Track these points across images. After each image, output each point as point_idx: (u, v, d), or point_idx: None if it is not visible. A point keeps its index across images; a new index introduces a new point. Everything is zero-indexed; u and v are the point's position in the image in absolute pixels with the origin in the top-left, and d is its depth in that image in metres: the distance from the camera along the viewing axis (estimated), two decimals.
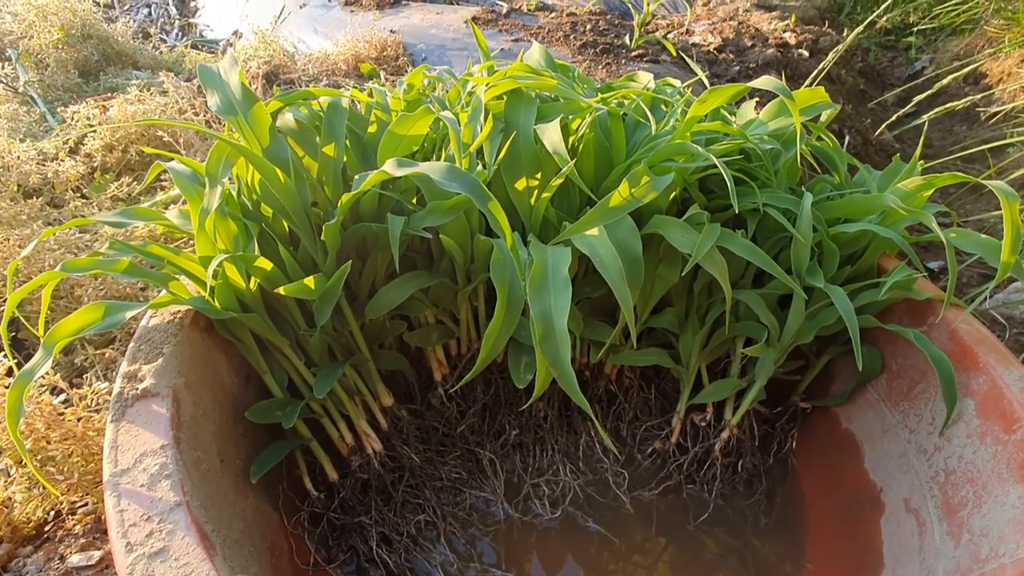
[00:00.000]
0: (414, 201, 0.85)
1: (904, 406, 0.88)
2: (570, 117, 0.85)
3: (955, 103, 1.97)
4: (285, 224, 0.81)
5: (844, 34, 3.24)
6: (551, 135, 0.77)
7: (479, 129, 0.80)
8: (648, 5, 2.10)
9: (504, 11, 2.50)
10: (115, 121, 1.96)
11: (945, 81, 1.99)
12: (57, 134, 1.96)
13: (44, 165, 1.87)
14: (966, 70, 1.86)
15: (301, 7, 2.91)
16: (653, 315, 0.94)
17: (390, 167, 0.67)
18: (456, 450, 0.96)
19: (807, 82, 1.89)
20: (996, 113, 2.75)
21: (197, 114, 2.05)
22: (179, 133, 2.00)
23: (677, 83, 1.07)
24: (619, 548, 0.91)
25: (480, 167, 0.76)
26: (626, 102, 0.96)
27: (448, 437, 0.96)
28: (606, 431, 1.01)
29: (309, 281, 0.74)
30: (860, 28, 1.85)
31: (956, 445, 0.78)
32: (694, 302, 0.93)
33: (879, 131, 2.76)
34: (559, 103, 0.84)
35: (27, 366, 0.60)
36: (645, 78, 1.07)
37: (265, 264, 0.75)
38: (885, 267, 0.93)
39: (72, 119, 1.98)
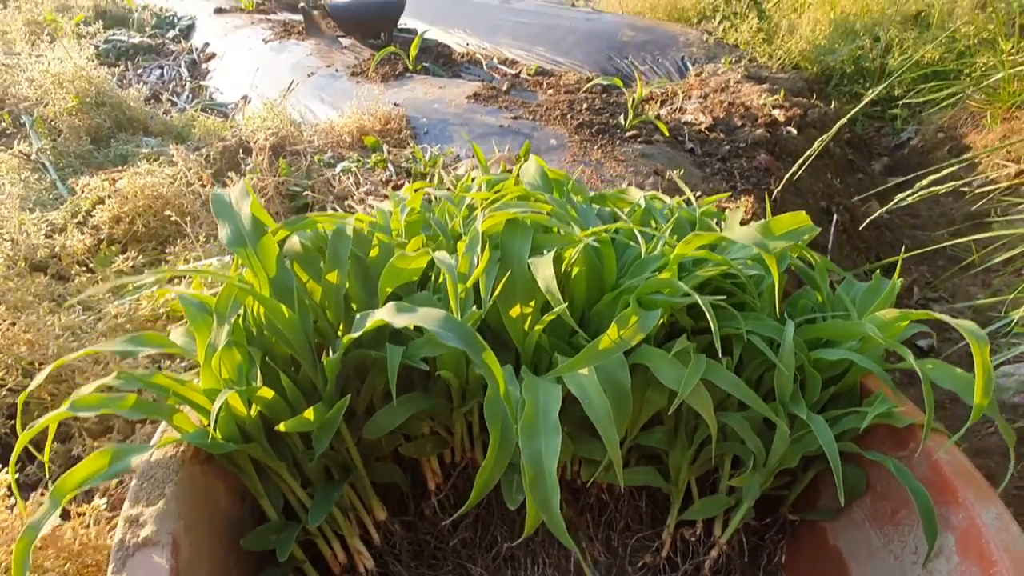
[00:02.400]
0: (412, 327, 0.89)
1: (889, 530, 0.89)
2: (564, 248, 0.89)
3: (939, 188, 2.03)
4: (287, 351, 0.84)
5: (832, 106, 3.36)
6: (544, 272, 0.81)
7: (476, 261, 0.84)
8: (640, 88, 2.19)
9: (504, 87, 2.60)
10: (124, 193, 2.01)
11: (934, 155, 2.06)
12: (67, 207, 2.01)
13: (52, 238, 1.91)
14: (945, 173, 1.93)
15: (309, 76, 3.01)
16: (643, 432, 0.96)
17: (389, 315, 0.70)
18: (448, 564, 0.97)
19: (799, 162, 1.95)
20: (982, 186, 2.83)
21: (204, 186, 2.11)
22: (185, 206, 2.05)
23: (667, 199, 1.12)
24: None
25: (475, 307, 0.80)
26: (618, 213, 1.01)
27: (440, 551, 0.97)
28: (596, 542, 1.02)
29: (308, 414, 0.76)
30: (854, 111, 1.92)
31: None
32: (682, 420, 0.95)
33: (867, 204, 2.83)
34: (553, 235, 0.88)
35: (34, 519, 0.62)
36: (636, 195, 1.12)
37: (267, 394, 0.78)
38: (868, 386, 0.96)
39: (82, 192, 2.04)
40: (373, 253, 0.92)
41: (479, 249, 0.85)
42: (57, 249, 1.85)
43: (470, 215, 1.03)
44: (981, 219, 2.74)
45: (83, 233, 1.93)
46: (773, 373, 0.89)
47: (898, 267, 1.05)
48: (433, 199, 1.11)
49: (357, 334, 0.73)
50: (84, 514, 0.88)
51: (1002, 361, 1.95)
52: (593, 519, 1.03)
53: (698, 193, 1.97)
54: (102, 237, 1.97)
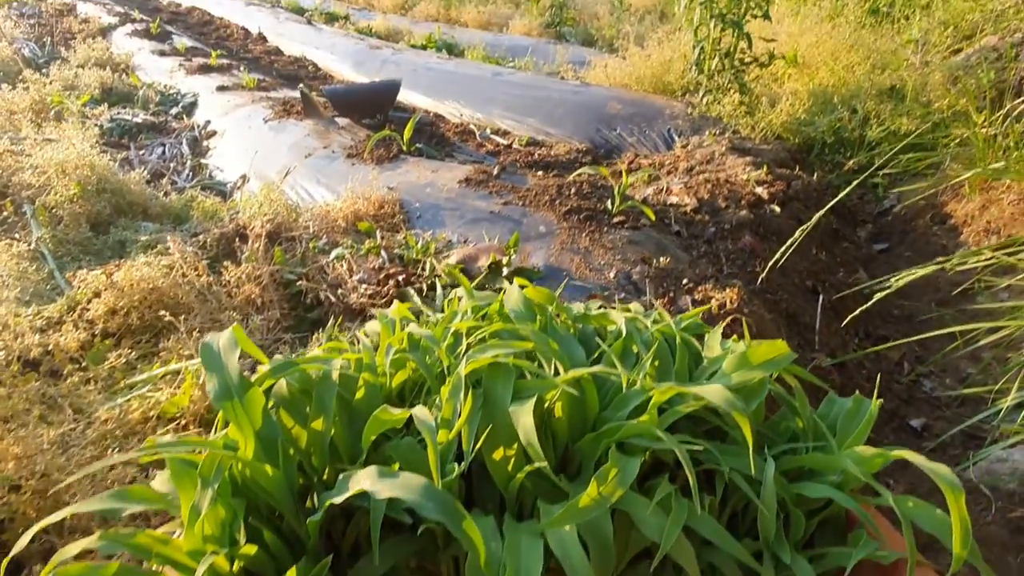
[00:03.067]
0: (396, 467, 0.90)
1: None
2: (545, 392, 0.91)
3: (923, 269, 2.08)
4: (270, 502, 0.84)
5: (815, 175, 3.46)
6: (524, 420, 0.83)
7: (459, 408, 0.86)
8: (626, 177, 2.26)
9: (495, 172, 2.68)
10: (120, 286, 2.05)
11: (915, 223, 2.11)
12: (62, 302, 2.03)
13: (46, 333, 1.93)
14: (929, 257, 1.98)
15: (306, 157, 3.11)
16: (629, 567, 0.95)
17: (370, 483, 0.71)
18: None
19: (781, 252, 2.00)
20: (962, 259, 2.89)
21: (199, 276, 2.15)
22: (181, 297, 2.08)
23: (647, 321, 1.15)
24: None
25: (455, 463, 0.81)
26: (601, 328, 1.03)
27: None
28: None
29: (291, 574, 0.76)
30: (838, 196, 1.98)
31: None
32: (668, 559, 0.95)
33: (855, 276, 2.88)
34: (534, 381, 0.91)
35: None
36: (618, 319, 1.15)
37: (250, 550, 0.78)
38: (853, 516, 0.96)
39: (79, 286, 2.07)
40: (359, 395, 0.94)
41: (461, 396, 0.87)
42: (51, 346, 1.87)
43: (456, 343, 1.05)
44: (966, 286, 2.79)
45: (78, 328, 1.95)
46: (756, 507, 0.90)
47: (874, 404, 1.07)
48: (418, 328, 1.13)
49: (340, 500, 0.74)
50: None
51: (994, 448, 1.95)
52: None
53: (685, 280, 2.01)
54: (96, 332, 1.99)
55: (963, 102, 3.45)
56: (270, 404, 0.88)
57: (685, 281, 1.96)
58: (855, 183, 2.41)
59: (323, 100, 3.66)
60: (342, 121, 3.47)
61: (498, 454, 0.87)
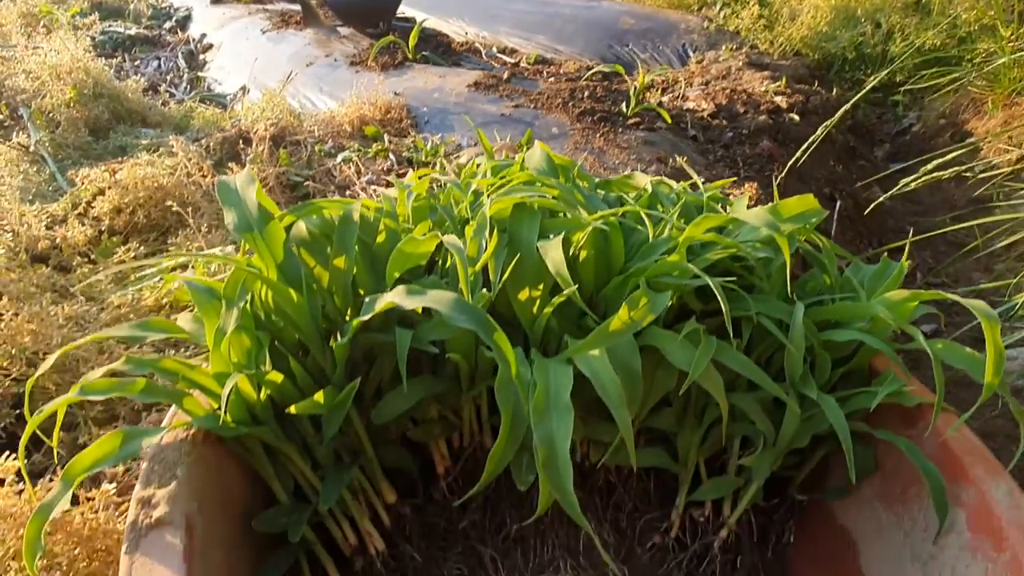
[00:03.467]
0: (419, 310, 0.88)
1: (899, 508, 0.90)
2: (571, 230, 0.89)
3: (942, 173, 2.03)
4: (296, 335, 0.84)
5: (834, 92, 3.34)
6: (553, 254, 0.81)
7: (484, 245, 0.83)
8: (643, 76, 2.18)
9: (504, 76, 2.58)
10: (124, 184, 2.00)
11: (936, 141, 2.06)
12: (66, 199, 2.00)
13: (52, 229, 1.90)
14: (950, 157, 1.93)
15: (307, 66, 2.99)
16: (651, 414, 0.96)
17: (399, 298, 0.70)
18: (458, 546, 0.97)
19: (803, 147, 1.95)
20: (983, 172, 2.83)
21: (204, 176, 2.10)
22: (187, 197, 2.04)
23: (673, 184, 1.11)
24: None
25: (484, 289, 0.80)
26: (625, 198, 1.00)
27: (450, 533, 0.97)
28: (606, 524, 1.02)
29: (319, 396, 0.76)
30: (856, 97, 1.91)
31: (949, 556, 0.80)
32: (691, 402, 0.96)
33: (869, 191, 2.83)
34: (560, 220, 0.88)
35: (47, 500, 0.62)
36: (643, 180, 1.11)
37: (276, 377, 0.78)
38: (877, 367, 0.96)
39: (82, 183, 2.03)
40: (380, 239, 0.91)
41: (487, 234, 0.85)
42: (58, 240, 1.84)
43: (476, 201, 1.02)
44: (983, 204, 2.73)
45: (84, 224, 1.92)
46: (782, 354, 0.89)
47: (905, 251, 1.05)
48: (437, 186, 1.10)
49: (367, 316, 0.73)
50: (93, 499, 0.88)
51: (1005, 345, 1.95)
52: (602, 501, 1.03)
53: (702, 179, 1.96)
54: (103, 228, 1.97)
55: (991, 15, 3.30)
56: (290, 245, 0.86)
57: (703, 181, 1.91)
58: (868, 88, 2.32)
59: (323, 9, 3.50)
60: (344, 30, 3.34)
61: (524, 294, 0.86)
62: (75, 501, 0.94)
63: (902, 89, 3.40)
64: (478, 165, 1.16)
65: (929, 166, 1.92)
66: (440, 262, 0.93)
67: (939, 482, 0.81)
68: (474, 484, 1.01)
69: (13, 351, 1.35)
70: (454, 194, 1.04)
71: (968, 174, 2.58)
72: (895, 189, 1.91)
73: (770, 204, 0.98)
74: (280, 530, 0.80)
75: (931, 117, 3.36)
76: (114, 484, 0.92)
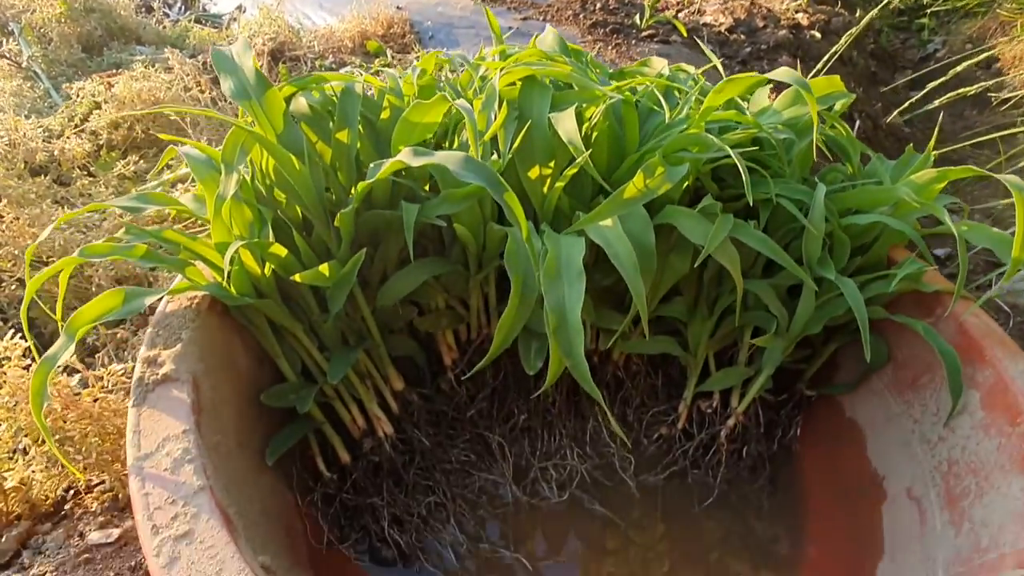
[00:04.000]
0: (427, 188, 0.86)
1: (909, 396, 0.89)
2: (583, 105, 0.85)
3: (967, 89, 1.96)
4: (299, 210, 0.81)
5: (857, 15, 3.18)
6: (566, 124, 0.77)
7: (493, 117, 0.80)
8: None
9: None
10: (120, 98, 1.95)
11: (959, 68, 1.98)
12: (62, 111, 1.95)
13: (50, 143, 1.86)
14: (978, 57, 1.83)
15: None
16: (662, 303, 0.94)
17: (407, 157, 0.67)
18: (465, 433, 0.97)
19: (819, 65, 1.87)
20: (1008, 99, 2.72)
21: (203, 91, 2.04)
22: (185, 112, 1.98)
23: (691, 69, 1.06)
24: (624, 530, 0.93)
25: (494, 156, 0.76)
26: (639, 88, 0.96)
27: (458, 421, 0.98)
28: (613, 416, 1.02)
29: (324, 268, 0.74)
30: (875, 11, 1.82)
31: (960, 436, 0.79)
32: (703, 291, 0.94)
33: (890, 116, 2.73)
34: (573, 92, 0.84)
35: (50, 351, 0.61)
36: (659, 64, 1.06)
37: (280, 250, 0.76)
38: (895, 258, 0.93)
39: (77, 95, 1.97)
40: (384, 116, 0.87)
41: (496, 107, 0.81)
42: (56, 153, 1.80)
43: (484, 83, 0.97)
44: (1006, 129, 2.64)
45: (81, 139, 1.88)
46: (800, 242, 0.87)
47: (932, 142, 1.00)
48: (446, 68, 1.05)
49: (372, 180, 0.70)
50: (103, 378, 0.88)
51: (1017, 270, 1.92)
52: (609, 395, 1.03)
53: None
54: (101, 143, 1.92)
55: None
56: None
57: (723, 66, 1.84)
58: (892, 7, 2.19)
59: None
60: None
61: (534, 172, 0.82)
62: (85, 385, 0.94)
63: (928, 11, 3.23)
64: (487, 48, 1.10)
65: (951, 95, 1.83)
66: (448, 142, 0.90)
67: (955, 363, 0.80)
68: (482, 380, 1.01)
69: (16, 252, 1.34)
70: (462, 78, 0.99)
71: (993, 95, 2.48)
72: (915, 112, 1.83)
73: (793, 88, 0.93)
74: (288, 405, 0.80)
75: (957, 42, 3.21)
76: (123, 366, 0.92)
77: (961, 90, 1.95)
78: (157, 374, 0.63)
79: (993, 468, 0.72)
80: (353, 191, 0.80)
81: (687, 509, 0.96)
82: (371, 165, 0.71)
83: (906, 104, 2.46)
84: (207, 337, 0.70)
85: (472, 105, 0.84)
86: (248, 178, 0.81)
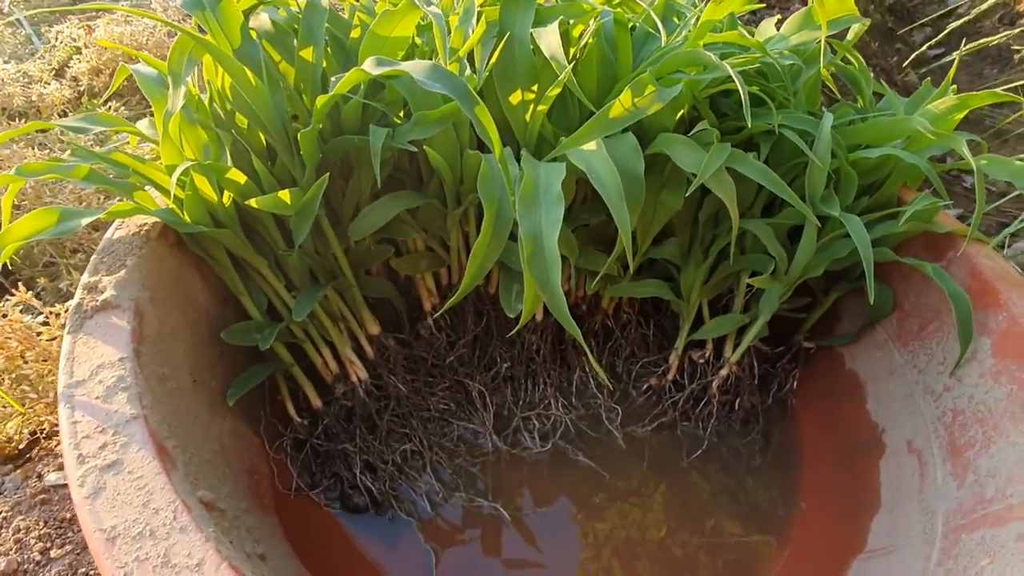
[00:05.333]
0: (400, 115, 0.79)
1: (914, 346, 0.83)
2: (571, 23, 0.78)
3: (987, 40, 1.85)
4: (261, 136, 0.75)
5: None
6: (549, 38, 0.70)
7: (470, 32, 0.73)
8: None
9: None
10: (101, 42, 1.87)
11: (974, 13, 1.87)
12: (41, 55, 1.87)
13: (29, 87, 1.79)
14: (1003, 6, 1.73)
15: None
16: (654, 246, 0.88)
17: (369, 65, 0.60)
18: (445, 381, 0.93)
19: None
20: None
21: None
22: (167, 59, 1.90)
23: None
24: (609, 482, 0.89)
25: (470, 72, 0.70)
26: (635, 14, 0.88)
27: (437, 368, 0.93)
28: (599, 364, 0.97)
29: (284, 195, 0.69)
30: None
31: (967, 385, 0.74)
32: (698, 233, 0.88)
33: (904, 69, 2.62)
34: (559, 5, 0.77)
35: None
36: None
37: (238, 176, 0.70)
38: (905, 200, 0.86)
39: (56, 40, 1.89)
40: (355, 34, 0.81)
41: (473, 21, 0.74)
42: (35, 99, 1.74)
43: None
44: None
45: (61, 84, 1.81)
46: (804, 180, 0.80)
47: (950, 72, 0.93)
48: None
49: (333, 93, 0.64)
50: (59, 315, 0.84)
51: None
52: (598, 346, 0.99)
53: None
54: (82, 89, 1.85)
55: None
56: (252, 34, 0.75)
57: None
58: None
59: None
60: None
61: (515, 97, 0.76)
62: (46, 324, 0.90)
63: None
64: None
65: (971, 46, 1.73)
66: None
67: (967, 307, 0.74)
68: (463, 326, 0.96)
69: None
70: (443, 2, 0.91)
71: (1016, 48, 2.37)
72: (928, 66, 1.74)
73: (802, 10, 0.86)
74: (251, 343, 0.76)
75: None
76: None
77: (982, 40, 1.85)
78: (96, 301, 0.58)
79: (1003, 416, 0.67)
80: (315, 107, 0.74)
81: (675, 462, 0.92)
82: (332, 79, 0.65)
83: (916, 53, 2.34)
84: (155, 265, 0.65)
85: (448, 23, 0.77)
86: (206, 101, 0.75)
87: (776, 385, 0.97)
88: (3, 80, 1.76)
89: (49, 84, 1.77)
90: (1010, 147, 2.35)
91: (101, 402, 0.50)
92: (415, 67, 0.59)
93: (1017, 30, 2.63)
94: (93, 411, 0.49)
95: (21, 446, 0.87)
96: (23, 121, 1.68)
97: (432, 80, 0.58)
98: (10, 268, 1.32)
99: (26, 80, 1.85)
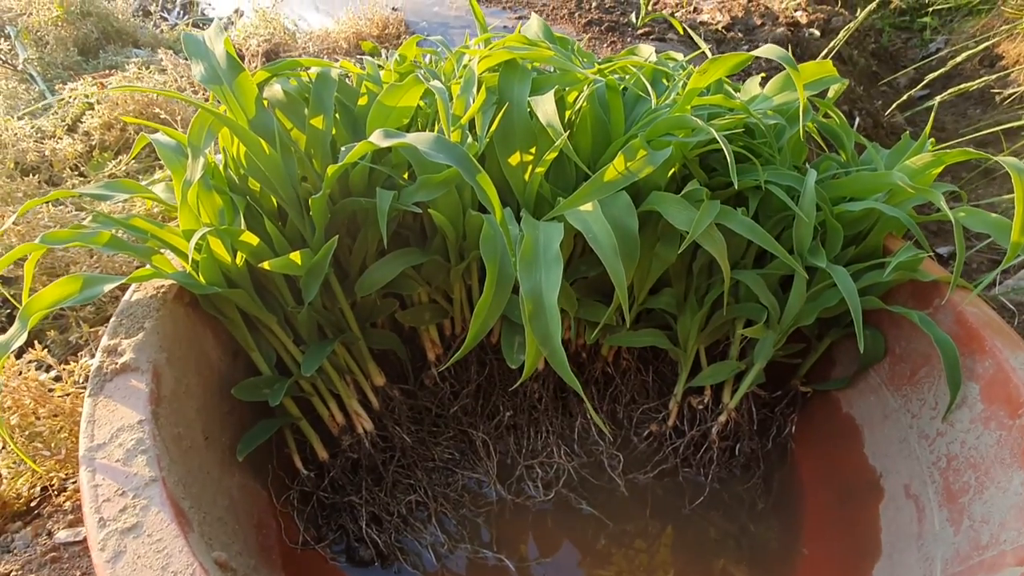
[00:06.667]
0: (405, 176, 0.83)
1: (907, 390, 0.85)
2: (566, 90, 0.82)
3: (969, 84, 1.93)
4: (273, 199, 0.79)
5: (857, 14, 3.16)
6: (545, 107, 0.75)
7: (471, 101, 0.77)
8: None
9: None
10: (114, 99, 1.94)
11: (959, 59, 1.95)
12: (55, 112, 1.94)
13: (42, 143, 1.85)
14: (980, 47, 1.81)
15: None
16: (650, 296, 0.91)
17: (376, 138, 0.65)
18: (449, 431, 0.95)
19: (821, 55, 1.84)
20: (1011, 96, 2.68)
21: (196, 92, 2.03)
22: (176, 111, 1.97)
23: (679, 56, 1.04)
24: (613, 531, 0.90)
25: (471, 140, 0.74)
26: (627, 76, 0.93)
27: (441, 418, 0.95)
28: (601, 414, 0.99)
29: (295, 256, 0.72)
30: (872, 5, 1.79)
31: (959, 430, 0.76)
32: (693, 283, 0.91)
33: (890, 112, 2.70)
34: (554, 75, 0.81)
35: (3, 338, 0.59)
36: (646, 51, 1.03)
37: (251, 239, 0.73)
38: (891, 248, 0.90)
39: (70, 97, 1.97)
40: (362, 102, 0.85)
41: (474, 91, 0.79)
42: (48, 153, 1.80)
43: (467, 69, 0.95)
44: (1011, 129, 2.60)
45: (73, 139, 1.87)
46: (791, 231, 0.84)
47: (928, 127, 0.97)
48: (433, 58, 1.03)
49: (343, 163, 0.67)
50: (72, 371, 0.86)
51: (1016, 269, 1.88)
52: (598, 393, 1.00)
53: None
54: (93, 143, 1.91)
55: None
56: (264, 103, 0.80)
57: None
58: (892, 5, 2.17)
59: None
60: None
61: (514, 159, 0.80)
62: (57, 380, 0.92)
63: (930, 10, 3.21)
64: (471, 39, 1.08)
65: (953, 90, 1.81)
66: (427, 131, 0.87)
67: (953, 354, 0.76)
68: (466, 376, 0.98)
69: (0, 251, 1.32)
70: (444, 66, 0.97)
71: (996, 92, 2.45)
72: (915, 109, 1.80)
73: (783, 73, 0.91)
74: (261, 399, 0.78)
75: (960, 40, 3.17)
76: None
77: (963, 85, 1.92)
78: (116, 363, 0.60)
79: (993, 462, 0.69)
80: (326, 175, 0.78)
81: (678, 509, 0.93)
82: (342, 148, 0.69)
83: (905, 97, 2.41)
84: (172, 327, 0.68)
85: (450, 91, 0.82)
86: (221, 167, 0.79)
87: (775, 429, 0.98)
88: (17, 135, 1.82)
89: (62, 139, 1.83)
90: (997, 184, 2.41)
91: (121, 465, 0.52)
92: (420, 139, 0.63)
93: (996, 75, 2.73)
94: (113, 474, 0.51)
95: (32, 502, 0.88)
96: (36, 176, 1.73)
97: (436, 151, 0.62)
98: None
99: (39, 135, 1.92)
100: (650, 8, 2.08)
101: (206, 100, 2.01)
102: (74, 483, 0.91)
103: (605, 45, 1.95)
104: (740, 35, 2.18)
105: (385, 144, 0.63)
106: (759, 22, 2.25)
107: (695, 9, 2.37)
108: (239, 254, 0.75)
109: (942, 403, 0.79)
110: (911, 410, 0.84)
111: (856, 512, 0.86)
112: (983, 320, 0.78)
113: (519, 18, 2.19)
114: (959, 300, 0.81)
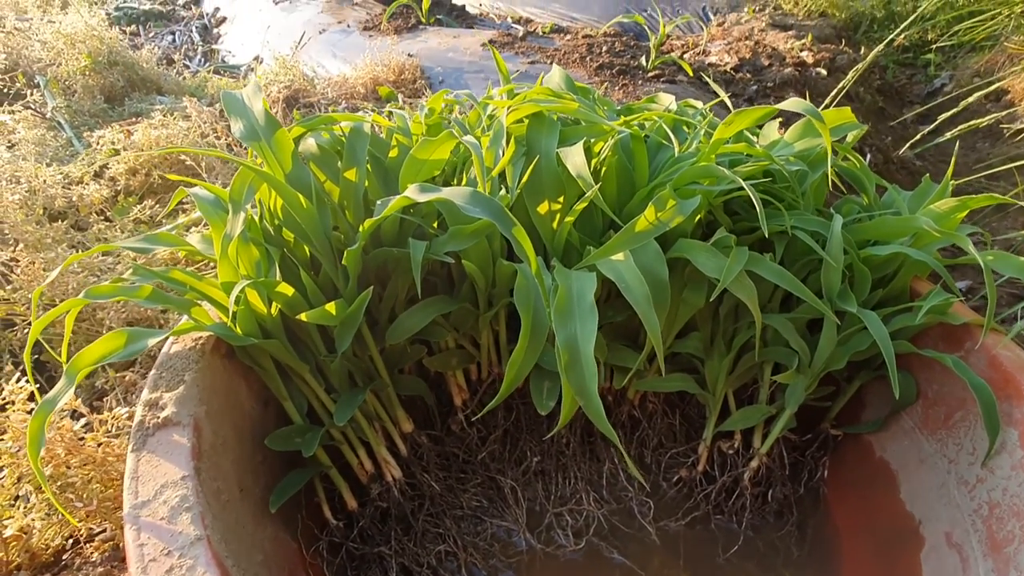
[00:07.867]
0: (435, 225, 0.85)
1: (942, 434, 0.84)
2: (592, 140, 0.84)
3: (979, 120, 1.95)
4: (307, 249, 0.81)
5: (861, 52, 3.22)
6: (574, 158, 0.77)
7: (501, 153, 0.79)
8: (663, 27, 2.11)
9: (520, 34, 2.53)
10: (139, 145, 2.00)
11: (971, 99, 1.97)
12: (82, 158, 2.00)
13: (69, 189, 1.90)
14: (989, 88, 1.83)
15: (320, 32, 2.96)
16: (678, 340, 0.92)
17: (413, 193, 0.66)
18: (477, 477, 0.94)
19: (827, 101, 1.88)
20: (1020, 131, 2.71)
21: (219, 138, 2.08)
22: (201, 157, 2.03)
23: (699, 104, 1.06)
24: None
25: (503, 191, 0.76)
26: (647, 124, 0.95)
27: (469, 464, 0.94)
28: (630, 458, 0.98)
29: (330, 307, 0.73)
30: (880, 47, 1.84)
31: (1000, 477, 0.75)
32: (720, 326, 0.91)
33: (902, 150, 2.73)
34: (581, 127, 0.84)
35: (49, 395, 0.60)
36: (666, 100, 1.06)
37: (287, 290, 0.75)
38: (918, 290, 0.90)
39: (97, 143, 2.02)
40: (392, 154, 0.88)
41: (504, 143, 0.81)
42: (75, 199, 1.84)
43: (493, 122, 0.98)
44: (1020, 160, 2.62)
45: (100, 184, 1.92)
46: (818, 275, 0.84)
47: (949, 171, 0.99)
48: (456, 109, 1.06)
49: (379, 217, 0.69)
50: (107, 422, 0.87)
51: None
52: (626, 436, 1.00)
53: None
54: (119, 189, 1.96)
55: None
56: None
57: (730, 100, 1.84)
58: (897, 43, 2.21)
59: None
60: None
61: (543, 207, 0.81)
62: (89, 429, 0.92)
63: (934, 47, 3.27)
64: (495, 89, 1.11)
65: (963, 127, 1.83)
66: (456, 181, 0.90)
67: (990, 399, 0.76)
68: (493, 422, 0.98)
69: (31, 296, 1.35)
70: (470, 117, 1.00)
71: (1004, 126, 2.47)
72: (925, 145, 1.82)
73: (804, 120, 0.93)
74: (293, 448, 0.78)
75: (964, 76, 3.22)
76: (127, 409, 0.90)
77: (973, 122, 1.94)
78: (158, 417, 0.61)
79: None
80: (361, 229, 0.79)
81: (712, 557, 0.91)
82: (378, 202, 0.71)
83: (918, 137, 2.44)
84: (210, 379, 0.68)
85: (480, 142, 0.84)
86: (256, 217, 0.81)
87: (807, 474, 0.97)
88: (46, 182, 1.87)
89: (88, 185, 1.88)
90: (1011, 218, 2.41)
91: (166, 523, 0.52)
92: (456, 194, 0.65)
93: (1004, 111, 2.76)
94: (159, 533, 0.51)
95: (61, 553, 0.88)
96: (64, 221, 1.77)
97: (473, 205, 0.64)
98: (45, 363, 1.37)
99: (67, 181, 1.97)
100: (659, 51, 2.14)
101: (229, 149, 2.07)
102: (102, 533, 0.90)
103: (617, 88, 2.00)
104: (748, 75, 2.23)
105: (422, 199, 0.65)
106: (767, 63, 2.30)
107: (703, 51, 2.43)
108: (274, 304, 0.76)
109: (980, 448, 0.78)
110: (947, 455, 0.83)
111: (896, 561, 0.84)
112: (1018, 364, 0.78)
113: (532, 63, 2.25)
114: (991, 343, 0.80)
